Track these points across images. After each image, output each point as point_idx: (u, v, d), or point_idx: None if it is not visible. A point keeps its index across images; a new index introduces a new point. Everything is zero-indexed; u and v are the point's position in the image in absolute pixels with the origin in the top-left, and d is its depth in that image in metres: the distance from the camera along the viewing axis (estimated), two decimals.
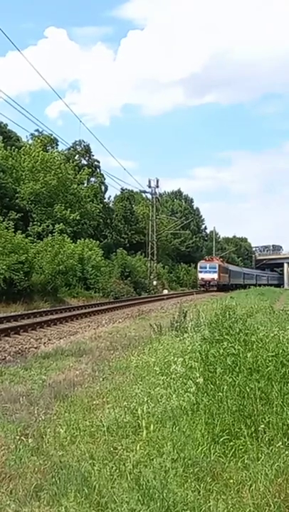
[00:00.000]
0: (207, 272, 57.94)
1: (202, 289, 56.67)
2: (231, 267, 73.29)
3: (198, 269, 59.63)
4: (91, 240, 39.16)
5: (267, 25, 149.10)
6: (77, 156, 53.38)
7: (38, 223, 35.33)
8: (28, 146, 42.05)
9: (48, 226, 34.80)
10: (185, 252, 73.70)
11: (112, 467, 4.25)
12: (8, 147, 38.34)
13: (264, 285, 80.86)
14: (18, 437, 5.04)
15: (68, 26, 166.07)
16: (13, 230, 25.80)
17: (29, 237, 28.66)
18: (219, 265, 60.27)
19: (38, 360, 9.85)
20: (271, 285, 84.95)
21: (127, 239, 56.65)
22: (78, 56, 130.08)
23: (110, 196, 61.77)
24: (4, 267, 22.64)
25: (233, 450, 4.54)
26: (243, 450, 4.54)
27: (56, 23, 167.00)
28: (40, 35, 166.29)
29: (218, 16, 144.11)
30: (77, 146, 53.20)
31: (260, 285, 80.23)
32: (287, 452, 4.37)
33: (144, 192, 56.84)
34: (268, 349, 6.54)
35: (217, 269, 58.39)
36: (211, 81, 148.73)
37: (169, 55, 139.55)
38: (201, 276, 58.61)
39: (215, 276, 57.61)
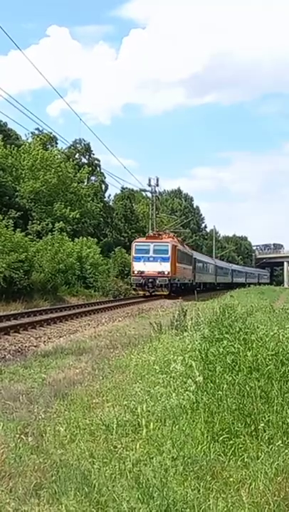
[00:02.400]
0: (150, 259, 32.30)
1: (139, 292, 32.93)
2: (197, 255, 47.64)
3: (133, 253, 33.24)
4: (89, 238, 39.17)
5: (268, 25, 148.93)
6: (77, 154, 53.38)
7: (38, 222, 35.34)
8: (27, 144, 42.07)
9: (47, 225, 34.81)
10: None
11: (112, 466, 4.25)
12: (8, 146, 38.33)
13: (242, 285, 63.79)
14: (17, 436, 5.04)
15: (70, 25, 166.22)
16: (12, 228, 25.81)
17: (29, 236, 28.69)
18: (174, 247, 33.62)
19: (38, 359, 9.85)
20: (252, 284, 67.57)
21: (127, 237, 56.60)
22: (80, 55, 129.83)
23: (110, 195, 61.79)
24: (4, 265, 22.65)
25: (233, 449, 4.54)
26: (242, 449, 4.54)
27: (58, 21, 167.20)
28: (42, 34, 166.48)
29: (219, 16, 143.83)
30: (78, 145, 53.20)
31: (241, 285, 62.39)
32: (286, 451, 4.37)
33: (144, 191, 56.65)
34: (267, 348, 6.53)
35: (169, 255, 32.48)
36: (212, 81, 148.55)
37: (170, 55, 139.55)
38: (137, 267, 32.42)
39: (166, 267, 32.12)
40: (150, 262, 32.61)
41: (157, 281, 32.24)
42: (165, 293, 32.36)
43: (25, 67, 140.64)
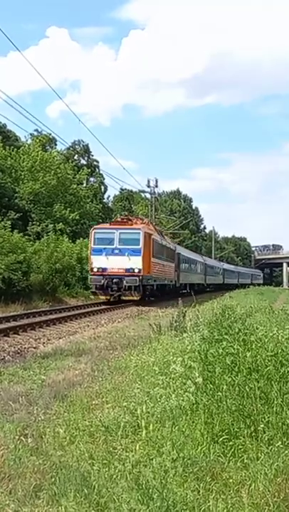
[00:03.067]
0: (115, 252, 24.71)
1: (100, 296, 25.26)
2: (181, 250, 40.41)
3: (92, 244, 25.50)
4: None
5: (268, 25, 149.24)
6: (76, 155, 53.42)
7: (38, 223, 35.34)
8: (27, 145, 42.13)
9: (47, 226, 34.82)
10: None
11: (112, 467, 4.25)
12: (7, 147, 38.36)
13: (234, 286, 59.92)
14: (17, 437, 5.04)
15: (70, 26, 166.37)
16: (10, 229, 25.78)
17: (26, 237, 28.66)
18: (147, 236, 26.04)
19: (38, 360, 9.84)
20: (244, 285, 65.61)
21: None
22: (80, 56, 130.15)
23: (109, 196, 61.83)
24: (3, 266, 22.63)
25: (233, 450, 4.54)
26: (242, 450, 4.54)
27: (58, 22, 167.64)
28: (41, 35, 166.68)
29: (219, 16, 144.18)
30: (76, 146, 53.23)
31: (233, 286, 57.85)
32: (286, 452, 4.37)
33: (143, 192, 56.65)
34: (267, 349, 6.52)
35: (141, 246, 24.77)
36: (212, 82, 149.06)
37: (170, 56, 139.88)
38: (97, 263, 24.85)
39: (136, 263, 24.53)
40: (115, 255, 24.59)
41: (124, 282, 24.21)
42: (135, 298, 24.74)
43: (24, 68, 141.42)
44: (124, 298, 25.07)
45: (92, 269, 25.16)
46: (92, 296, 27.04)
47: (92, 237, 25.86)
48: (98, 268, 24.80)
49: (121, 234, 25.19)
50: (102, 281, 24.47)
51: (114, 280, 24.51)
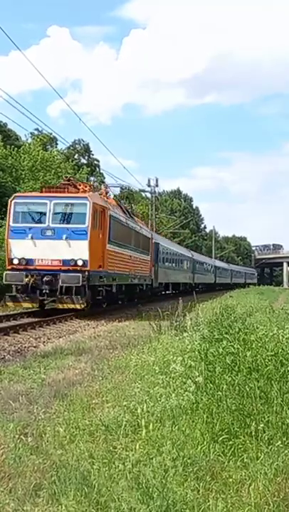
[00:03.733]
0: (46, 233, 16.32)
1: (24, 301, 16.33)
2: (160, 240, 32.63)
3: (11, 221, 16.60)
4: None
5: (268, 25, 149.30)
6: (76, 155, 53.44)
7: None
8: (27, 145, 42.13)
9: None
10: None
11: (112, 466, 4.25)
12: (8, 146, 38.37)
13: (227, 286, 56.83)
14: (17, 436, 5.04)
15: (71, 25, 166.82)
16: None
17: None
18: (99, 209, 17.39)
19: (38, 359, 9.85)
20: (238, 285, 63.42)
21: None
22: (81, 55, 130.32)
23: (110, 195, 61.73)
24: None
25: (233, 449, 4.54)
26: (242, 449, 4.54)
27: (58, 22, 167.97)
28: (42, 34, 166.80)
29: (219, 16, 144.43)
30: (77, 145, 53.25)
31: (225, 287, 54.38)
32: (286, 451, 4.37)
33: (144, 191, 56.75)
34: (267, 348, 6.53)
35: (88, 224, 16.17)
36: (212, 82, 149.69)
37: (170, 55, 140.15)
38: (17, 251, 16.23)
39: (79, 251, 16.01)
40: (47, 239, 16.54)
41: (60, 281, 16.10)
42: (78, 306, 16.41)
43: (25, 67, 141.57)
44: (59, 306, 16.66)
45: (10, 260, 16.61)
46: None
47: (10, 211, 17.03)
48: (20, 259, 16.40)
49: (56, 206, 16.71)
50: (26, 279, 16.17)
51: (46, 278, 16.22)
